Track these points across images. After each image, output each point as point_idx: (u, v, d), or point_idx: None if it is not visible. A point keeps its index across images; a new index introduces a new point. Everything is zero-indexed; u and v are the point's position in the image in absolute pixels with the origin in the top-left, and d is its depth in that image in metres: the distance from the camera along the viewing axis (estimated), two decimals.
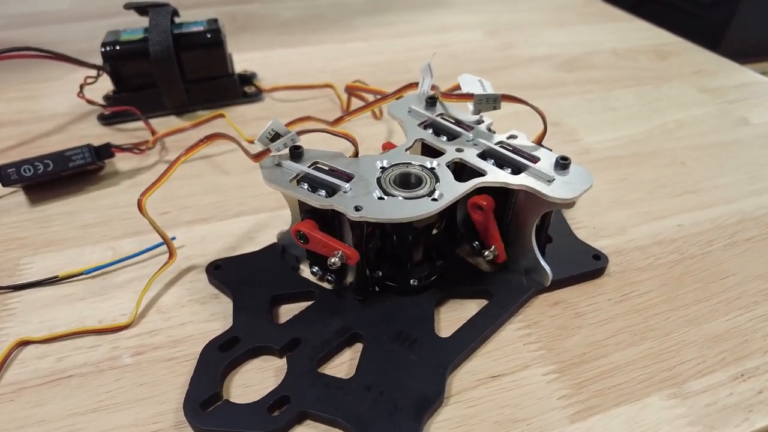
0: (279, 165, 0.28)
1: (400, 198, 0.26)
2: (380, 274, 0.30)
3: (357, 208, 0.25)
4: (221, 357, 0.26)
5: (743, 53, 1.19)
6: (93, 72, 0.46)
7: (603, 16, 0.73)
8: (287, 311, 0.30)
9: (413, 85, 0.34)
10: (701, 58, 0.61)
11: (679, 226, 0.36)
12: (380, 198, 0.26)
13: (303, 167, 0.27)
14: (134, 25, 0.48)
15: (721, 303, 0.30)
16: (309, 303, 0.29)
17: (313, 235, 0.27)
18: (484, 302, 0.30)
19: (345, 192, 0.26)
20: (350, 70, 0.56)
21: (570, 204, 0.26)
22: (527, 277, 0.30)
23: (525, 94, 0.33)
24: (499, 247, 0.29)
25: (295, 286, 0.30)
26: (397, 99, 0.34)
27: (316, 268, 0.30)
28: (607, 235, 0.35)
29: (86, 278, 0.32)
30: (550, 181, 0.27)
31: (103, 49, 0.44)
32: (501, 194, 0.29)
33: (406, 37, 0.65)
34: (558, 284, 0.31)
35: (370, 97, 0.46)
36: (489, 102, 0.31)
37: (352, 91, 0.46)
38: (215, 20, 0.48)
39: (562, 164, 0.27)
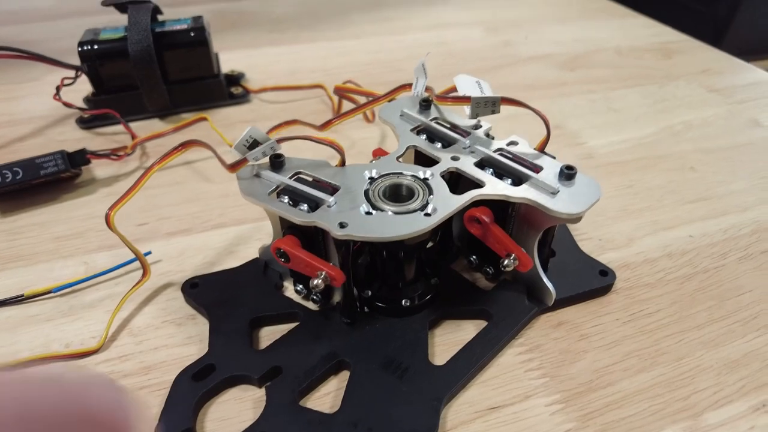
0: (258, 176, 0.25)
1: (390, 213, 0.23)
2: (369, 293, 0.27)
3: (342, 225, 0.23)
4: (195, 387, 0.24)
5: (746, 50, 1.17)
6: (71, 73, 0.44)
7: (606, 12, 0.71)
8: (269, 333, 0.27)
9: (407, 86, 0.32)
10: (708, 56, 0.59)
11: (690, 237, 0.34)
12: (368, 213, 0.23)
13: (284, 178, 0.25)
14: (120, 22, 0.46)
15: (738, 323, 0.28)
16: (293, 325, 0.27)
17: (295, 254, 0.24)
18: (481, 323, 0.28)
19: (329, 206, 0.24)
20: (343, 69, 0.54)
21: (576, 219, 0.24)
22: (529, 296, 0.28)
23: (525, 95, 0.31)
24: (519, 254, 0.26)
25: (278, 307, 0.28)
26: (390, 101, 0.32)
27: (301, 286, 0.28)
28: (614, 247, 0.33)
29: (55, 296, 0.30)
30: (554, 193, 0.24)
31: (80, 49, 0.42)
32: (501, 206, 0.26)
33: (402, 34, 0.63)
34: (562, 303, 0.28)
35: (362, 99, 0.44)
36: (487, 105, 0.28)
37: (342, 92, 0.43)
38: (200, 17, 0.46)
39: (568, 174, 0.25)
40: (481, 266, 0.30)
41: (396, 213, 0.23)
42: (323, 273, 0.24)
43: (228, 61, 0.53)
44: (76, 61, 0.44)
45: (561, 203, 0.24)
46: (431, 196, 0.24)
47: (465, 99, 0.28)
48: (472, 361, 0.25)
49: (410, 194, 0.25)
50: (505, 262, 0.26)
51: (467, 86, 0.29)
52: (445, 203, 0.24)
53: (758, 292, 0.30)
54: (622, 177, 0.39)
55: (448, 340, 0.27)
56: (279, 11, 0.69)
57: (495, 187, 0.25)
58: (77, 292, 0.30)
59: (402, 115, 0.30)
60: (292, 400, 0.23)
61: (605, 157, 0.42)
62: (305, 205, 0.24)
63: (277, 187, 0.25)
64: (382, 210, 0.24)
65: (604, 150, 0.43)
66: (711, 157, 0.42)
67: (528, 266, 0.26)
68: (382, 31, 0.64)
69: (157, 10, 0.45)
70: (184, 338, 0.27)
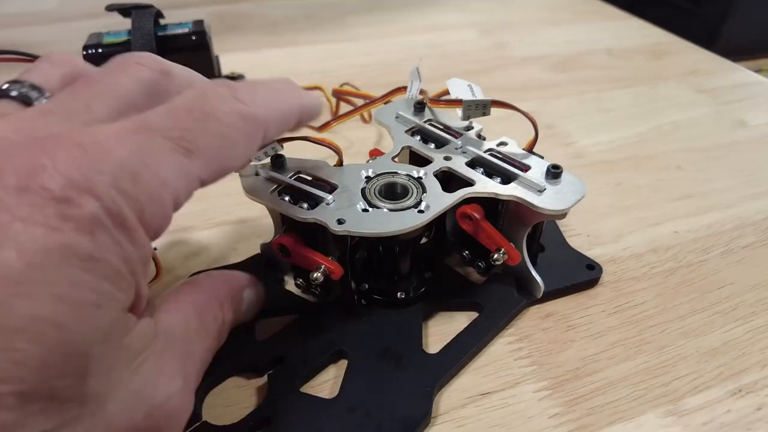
0: (259, 175, 0.27)
1: (385, 210, 0.25)
2: (366, 287, 0.29)
3: (340, 221, 0.24)
4: None
5: (739, 50, 1.18)
6: None
7: (598, 14, 0.73)
8: (271, 325, 0.29)
9: (402, 89, 0.33)
10: (697, 57, 0.60)
11: (675, 232, 0.35)
12: (364, 210, 0.25)
13: (285, 178, 0.26)
14: (122, 26, 0.47)
15: (718, 314, 0.30)
16: (293, 317, 0.28)
17: (295, 249, 0.26)
18: (473, 314, 0.29)
19: (327, 204, 0.25)
20: (340, 71, 0.55)
21: (561, 215, 0.25)
22: (518, 289, 0.30)
23: (518, 96, 0.32)
24: (508, 248, 0.27)
25: (279, 300, 0.29)
26: (386, 104, 0.33)
27: (300, 280, 0.29)
28: (602, 243, 0.34)
29: None
30: (540, 191, 0.26)
31: (84, 53, 0.43)
32: (491, 203, 0.28)
33: (398, 36, 0.64)
34: (550, 295, 0.30)
35: (359, 101, 0.45)
36: (478, 108, 0.30)
37: (340, 95, 0.44)
38: (201, 21, 0.47)
39: (554, 173, 0.26)
40: (473, 261, 0.31)
41: (391, 210, 0.25)
42: (323, 267, 0.25)
43: (228, 63, 0.54)
44: None
45: (547, 200, 0.25)
46: (424, 194, 0.26)
47: (457, 102, 0.30)
48: (463, 349, 0.26)
49: (405, 192, 0.26)
50: (495, 256, 0.27)
51: (459, 89, 0.30)
52: (438, 201, 0.25)
53: (738, 285, 0.31)
54: (611, 175, 0.41)
55: (441, 331, 0.28)
56: (276, 14, 0.70)
57: (485, 186, 0.26)
58: None
59: (397, 117, 0.31)
60: (293, 386, 0.25)
61: (595, 156, 0.43)
62: (305, 203, 0.25)
63: (278, 185, 0.26)
64: (377, 207, 0.25)
65: (594, 149, 0.44)
66: (697, 156, 0.43)
67: (516, 260, 0.27)
68: (378, 33, 0.65)
69: (159, 15, 0.46)
70: None
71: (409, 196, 0.26)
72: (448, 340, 0.27)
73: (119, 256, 0.16)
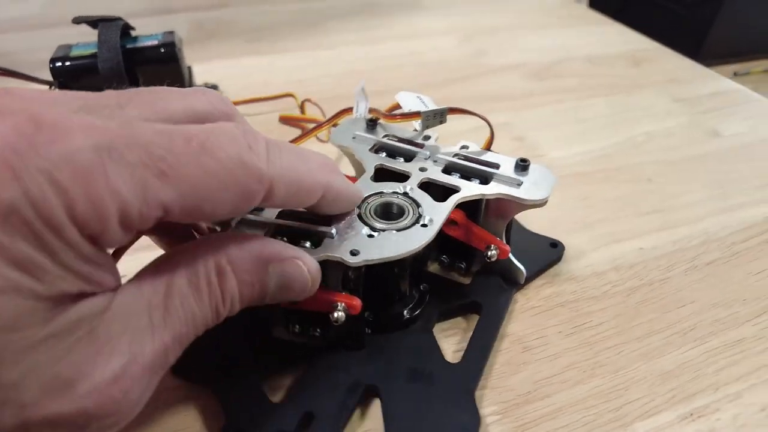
0: (244, 222, 0.24)
1: (394, 231, 0.24)
2: (366, 314, 0.28)
3: (353, 253, 0.23)
4: None
5: (726, 53, 1.18)
6: (44, 87, 0.45)
7: (582, 19, 0.72)
8: (279, 382, 0.26)
9: (348, 110, 0.33)
10: (676, 65, 0.60)
11: (641, 249, 0.35)
12: (370, 235, 0.24)
13: (272, 219, 0.24)
14: (95, 37, 0.46)
15: (676, 335, 0.29)
16: (301, 368, 0.26)
17: None
18: (468, 315, 0.30)
19: (332, 237, 0.24)
20: (316, 80, 0.55)
21: (543, 203, 0.27)
22: (503, 280, 0.31)
23: (492, 106, 0.32)
24: (498, 243, 0.28)
25: (278, 353, 0.27)
26: (334, 126, 0.33)
27: (297, 326, 0.27)
28: (564, 260, 0.34)
29: None
30: (519, 184, 0.27)
31: (51, 65, 0.43)
32: (472, 204, 0.28)
33: (377, 44, 0.64)
34: (528, 279, 0.31)
35: (308, 125, 0.44)
36: (436, 117, 0.31)
37: (287, 121, 0.43)
38: (171, 33, 0.46)
39: (522, 166, 0.28)
40: (453, 263, 0.32)
41: (398, 230, 0.24)
42: (341, 304, 0.23)
43: (204, 73, 0.54)
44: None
45: (528, 192, 0.27)
46: (420, 208, 0.26)
47: (414, 114, 0.30)
48: (485, 350, 0.27)
49: (400, 210, 0.26)
50: (489, 253, 0.28)
51: (410, 102, 0.31)
52: (436, 212, 0.26)
53: (698, 304, 0.31)
54: (580, 189, 0.40)
55: (448, 337, 0.29)
56: (258, 20, 0.70)
57: (470, 189, 0.27)
58: None
59: (354, 138, 0.31)
60: None
61: (564, 168, 0.43)
62: (307, 241, 0.23)
63: (268, 227, 0.24)
64: (382, 230, 0.24)
65: (564, 162, 0.44)
66: (669, 168, 0.43)
67: (507, 253, 0.29)
68: (358, 40, 0.65)
69: (127, 27, 0.46)
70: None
71: (406, 213, 0.26)
72: (459, 346, 0.28)
73: (38, 247, 0.14)
